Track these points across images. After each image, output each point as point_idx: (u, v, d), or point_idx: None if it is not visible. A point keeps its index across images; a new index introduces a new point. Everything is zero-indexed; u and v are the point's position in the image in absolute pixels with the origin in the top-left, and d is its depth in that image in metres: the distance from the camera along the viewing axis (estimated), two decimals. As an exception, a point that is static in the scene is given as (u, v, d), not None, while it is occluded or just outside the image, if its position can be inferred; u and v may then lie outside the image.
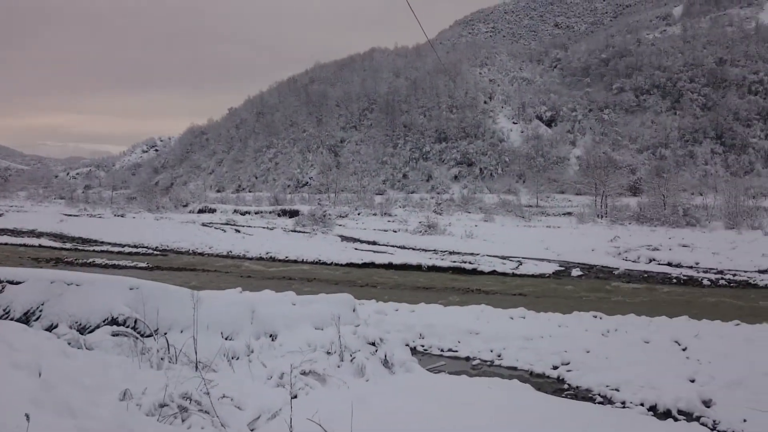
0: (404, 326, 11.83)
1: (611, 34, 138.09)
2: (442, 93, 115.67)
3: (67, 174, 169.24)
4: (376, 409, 6.51)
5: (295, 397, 6.72)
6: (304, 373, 7.58)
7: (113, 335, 7.91)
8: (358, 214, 59.51)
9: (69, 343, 7.26)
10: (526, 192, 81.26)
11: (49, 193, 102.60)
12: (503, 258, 25.59)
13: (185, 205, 73.19)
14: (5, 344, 6.00)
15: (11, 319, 7.69)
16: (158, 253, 29.40)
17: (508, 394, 7.84)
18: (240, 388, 6.81)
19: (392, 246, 31.37)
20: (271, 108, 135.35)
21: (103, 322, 8.08)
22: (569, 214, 56.59)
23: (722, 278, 20.59)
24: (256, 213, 61.88)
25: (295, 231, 40.80)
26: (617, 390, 8.42)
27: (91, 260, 25.60)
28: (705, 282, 20.10)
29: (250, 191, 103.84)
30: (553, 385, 8.97)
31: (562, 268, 23.25)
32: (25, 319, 7.78)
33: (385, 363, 8.37)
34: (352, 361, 8.17)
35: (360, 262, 25.17)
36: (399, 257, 25.99)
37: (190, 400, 5.94)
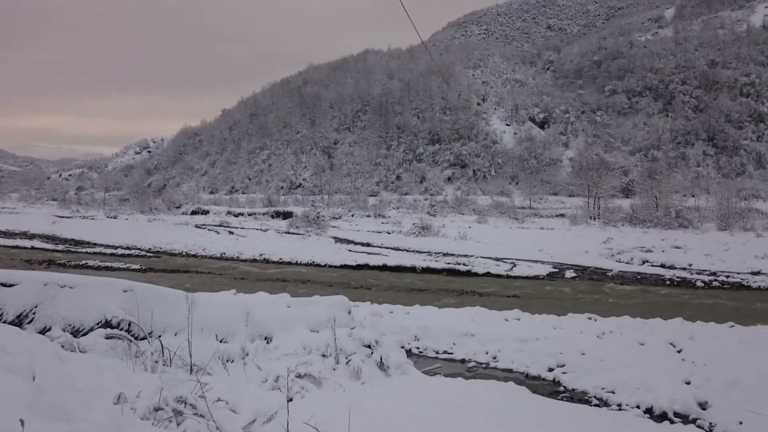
0: (399, 328, 11.81)
1: (603, 36, 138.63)
2: (435, 95, 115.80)
3: (60, 175, 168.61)
4: (372, 412, 6.49)
5: (291, 400, 6.68)
6: (299, 376, 7.53)
7: (107, 338, 7.85)
8: (352, 216, 59.49)
9: (62, 346, 7.19)
10: (519, 194, 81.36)
11: (42, 195, 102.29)
12: (497, 260, 25.60)
13: (178, 207, 72.96)
14: (-2, 348, 5.93)
15: (4, 322, 7.63)
16: (151, 254, 29.29)
17: (504, 396, 7.82)
18: (235, 391, 6.76)
19: (386, 248, 31.35)
20: (265, 109, 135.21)
21: (97, 324, 8.02)
22: (562, 215, 56.69)
23: (715, 280, 20.65)
24: (249, 214, 61.74)
25: (288, 233, 40.72)
26: (613, 392, 8.41)
27: (83, 262, 25.47)
28: (698, 284, 20.15)
29: (243, 193, 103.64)
30: (548, 388, 8.96)
31: (556, 270, 23.27)
32: (18, 321, 7.71)
33: (381, 365, 8.34)
34: (347, 363, 8.13)
35: (354, 263, 25.13)
36: (393, 259, 25.97)
37: (185, 403, 5.88)
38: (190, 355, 7.51)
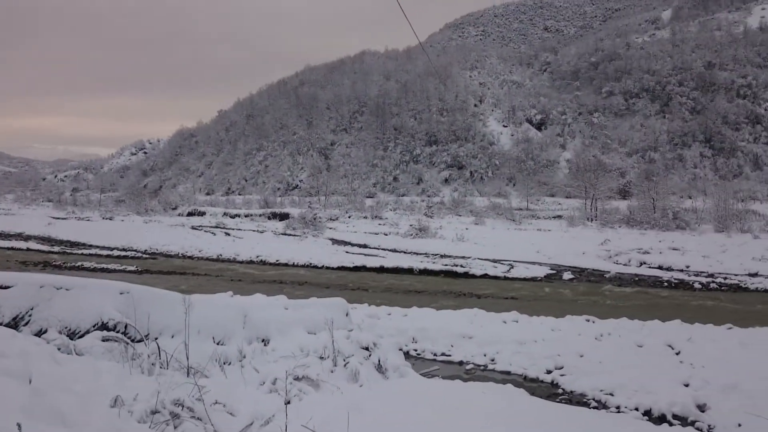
0: (397, 330, 11.77)
1: (600, 37, 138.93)
2: (432, 96, 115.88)
3: (55, 176, 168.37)
4: (370, 414, 6.45)
5: (289, 402, 6.64)
6: (297, 379, 7.49)
7: (103, 340, 7.80)
8: (349, 217, 59.44)
9: (59, 349, 7.15)
10: (516, 195, 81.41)
11: (37, 196, 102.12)
12: (494, 261, 25.58)
13: (174, 208, 72.84)
14: (-6, 350, 5.89)
15: (0, 324, 7.58)
16: (147, 256, 29.21)
17: (503, 399, 7.79)
18: (232, 394, 6.72)
19: (383, 249, 31.31)
20: (261, 110, 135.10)
21: (93, 327, 7.97)
22: (559, 217, 56.69)
23: (713, 281, 20.65)
24: (246, 216, 61.63)
25: (285, 234, 40.65)
26: (612, 394, 8.39)
27: (79, 263, 25.39)
28: (696, 285, 20.15)
29: (239, 194, 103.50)
30: (547, 390, 8.94)
31: (554, 272, 23.26)
32: (14, 324, 7.66)
33: (379, 368, 8.31)
34: (345, 366, 8.10)
35: (351, 265, 25.09)
36: (390, 260, 25.94)
37: (183, 406, 5.85)
38: (187, 358, 7.46)
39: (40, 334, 7.60)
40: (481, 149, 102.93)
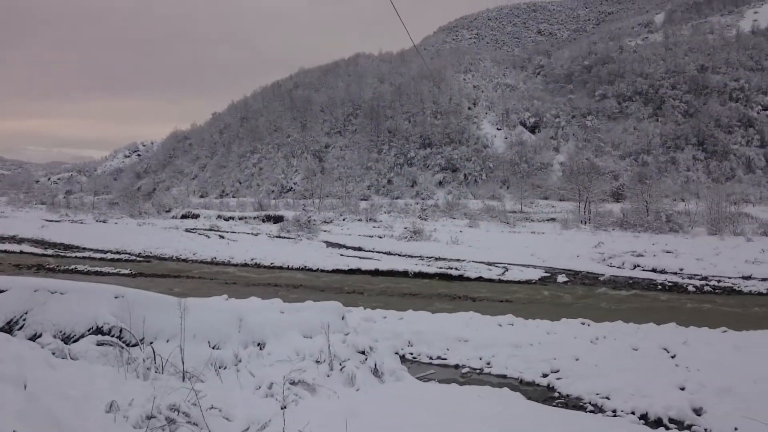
0: (393, 334, 11.75)
1: (594, 41, 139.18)
2: (426, 99, 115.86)
3: (49, 179, 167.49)
4: (367, 419, 6.44)
5: (285, 407, 6.62)
6: (293, 383, 7.47)
7: (98, 345, 7.76)
8: (343, 220, 59.43)
9: (53, 353, 7.11)
10: (510, 198, 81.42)
11: (30, 199, 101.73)
12: (489, 264, 25.60)
13: (168, 211, 72.69)
14: (-12, 355, 5.85)
15: (-6, 329, 7.53)
16: (141, 259, 29.12)
17: (499, 402, 7.78)
18: (228, 398, 6.70)
19: (378, 252, 31.30)
20: (255, 113, 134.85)
21: (88, 331, 7.93)
22: (553, 219, 56.78)
23: (707, 284, 20.72)
24: (240, 218, 61.57)
25: (279, 237, 40.60)
26: (608, 398, 8.39)
27: (73, 267, 25.28)
28: (690, 288, 20.21)
29: (233, 197, 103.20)
30: (543, 394, 8.94)
31: (548, 275, 23.30)
32: (8, 328, 7.61)
33: (375, 372, 8.29)
34: (341, 370, 8.08)
35: (346, 268, 25.08)
36: (385, 263, 25.94)
37: (178, 411, 5.82)
38: (183, 362, 7.43)
39: (34, 338, 7.56)
40: (475, 152, 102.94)
